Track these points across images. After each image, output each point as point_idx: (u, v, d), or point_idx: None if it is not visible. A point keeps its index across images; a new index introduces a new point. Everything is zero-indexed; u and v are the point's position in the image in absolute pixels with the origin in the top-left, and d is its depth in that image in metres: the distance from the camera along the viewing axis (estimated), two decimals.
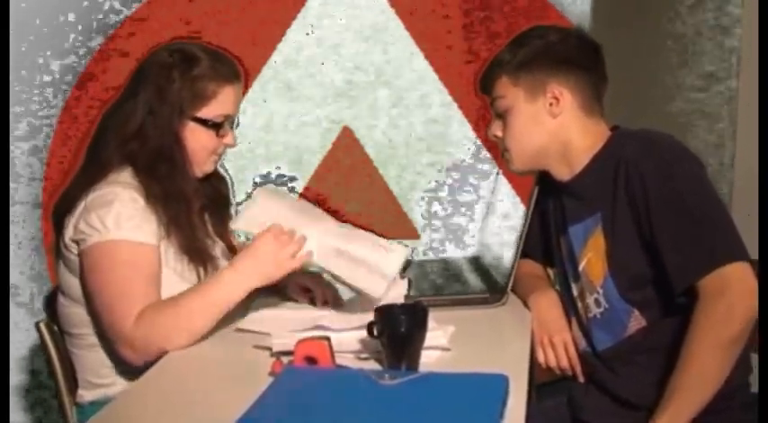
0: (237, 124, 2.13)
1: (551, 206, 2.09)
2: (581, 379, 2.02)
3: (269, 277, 1.89)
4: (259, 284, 1.90)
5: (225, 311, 1.88)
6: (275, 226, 1.91)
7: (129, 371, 1.86)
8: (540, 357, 2.02)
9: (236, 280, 1.89)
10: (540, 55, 1.95)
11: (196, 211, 2.08)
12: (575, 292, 2.01)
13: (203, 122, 2.01)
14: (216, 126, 2.03)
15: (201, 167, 2.06)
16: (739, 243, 1.77)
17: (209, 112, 2.01)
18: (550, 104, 1.94)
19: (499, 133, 2.02)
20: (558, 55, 1.95)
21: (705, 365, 1.73)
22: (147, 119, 1.98)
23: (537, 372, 2.00)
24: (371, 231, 2.08)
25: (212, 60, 2.01)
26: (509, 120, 1.98)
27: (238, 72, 2.06)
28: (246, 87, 2.97)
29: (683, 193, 1.80)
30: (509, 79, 1.97)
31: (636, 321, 1.89)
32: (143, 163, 1.98)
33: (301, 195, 2.84)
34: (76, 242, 1.93)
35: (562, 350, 2.01)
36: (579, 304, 2.00)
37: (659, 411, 1.76)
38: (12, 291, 2.99)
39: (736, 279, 1.73)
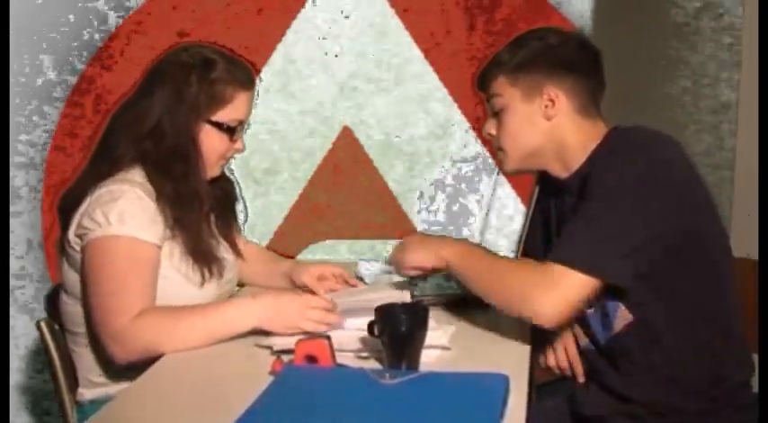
0: (246, 130, 2.13)
1: (551, 204, 2.08)
2: (580, 379, 2.02)
3: (272, 326, 1.87)
4: (260, 327, 1.88)
5: (223, 338, 1.87)
6: (314, 298, 1.96)
7: (130, 369, 1.85)
8: (540, 358, 2.03)
9: (248, 314, 1.88)
10: (539, 57, 1.95)
11: (204, 213, 2.08)
12: None
13: (218, 126, 2.02)
14: (230, 130, 2.04)
15: (210, 171, 2.06)
16: (604, 260, 1.77)
17: (225, 115, 2.02)
18: (546, 106, 1.95)
19: (493, 131, 2.02)
20: (557, 58, 1.95)
21: (502, 278, 1.82)
22: (163, 118, 1.98)
23: (537, 372, 2.00)
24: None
25: (230, 65, 2.02)
26: (504, 119, 1.99)
27: (253, 78, 2.08)
28: None
29: (605, 189, 1.81)
30: (507, 79, 1.97)
31: (622, 316, 1.89)
32: (157, 161, 1.99)
33: None
34: (80, 237, 1.94)
35: (562, 350, 2.01)
36: None
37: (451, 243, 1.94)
38: (12, 289, 3.00)
39: (567, 286, 1.75)
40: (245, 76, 2.04)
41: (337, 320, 1.89)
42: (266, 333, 1.86)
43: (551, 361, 2.02)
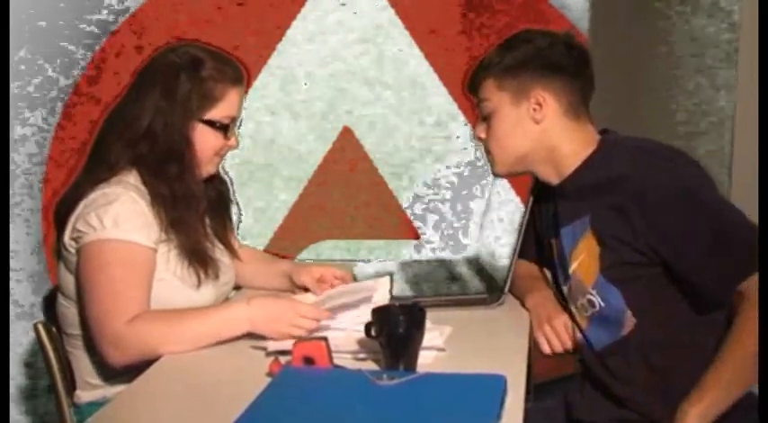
0: (239, 126, 2.13)
1: (546, 208, 2.08)
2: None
3: (264, 332, 1.87)
4: (253, 331, 1.88)
5: (217, 341, 1.87)
6: (304, 304, 1.93)
7: (127, 372, 1.86)
8: (545, 347, 1.98)
9: (242, 317, 1.88)
10: (526, 60, 1.95)
11: (200, 214, 2.08)
12: (566, 293, 2.02)
13: (211, 124, 2.02)
14: (223, 128, 2.04)
15: (206, 168, 2.07)
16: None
17: (217, 113, 2.02)
18: (533, 110, 1.94)
19: (483, 135, 2.01)
20: (544, 60, 1.94)
21: (745, 365, 1.72)
22: (155, 120, 1.98)
23: (535, 370, 2.00)
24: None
25: (218, 62, 2.03)
26: (493, 123, 1.98)
27: (242, 74, 2.08)
28: (247, 87, 2.98)
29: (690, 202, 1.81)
30: (494, 82, 1.97)
31: (629, 322, 1.89)
32: (152, 164, 1.99)
33: None
34: (75, 240, 1.94)
35: (563, 330, 1.98)
36: (571, 305, 2.00)
37: (692, 402, 1.73)
38: (11, 291, 3.00)
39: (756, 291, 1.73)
40: (234, 73, 2.04)
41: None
42: (262, 335, 1.87)
43: (556, 346, 1.97)
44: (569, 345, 1.98)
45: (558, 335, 1.98)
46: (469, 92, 2.04)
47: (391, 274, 2.16)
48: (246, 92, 2.92)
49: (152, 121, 1.98)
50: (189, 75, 1.99)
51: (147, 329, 1.84)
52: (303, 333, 1.84)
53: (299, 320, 1.87)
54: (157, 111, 1.98)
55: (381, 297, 2.02)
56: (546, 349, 1.99)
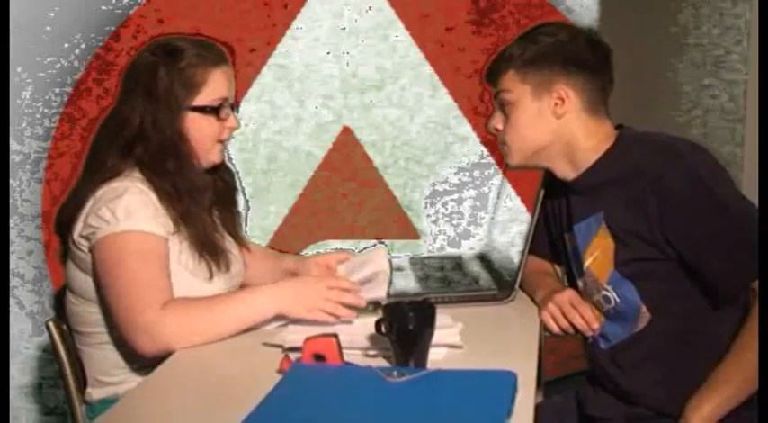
0: (237, 108, 2.11)
1: (558, 203, 2.09)
2: (595, 326, 1.97)
3: (292, 310, 1.90)
4: (281, 313, 1.90)
5: (249, 325, 1.89)
6: (334, 279, 1.96)
7: (139, 369, 1.86)
8: (552, 325, 1.99)
9: (271, 299, 1.90)
10: (550, 53, 1.95)
11: (206, 206, 2.08)
12: (581, 289, 2.02)
13: (201, 110, 2.01)
14: (214, 111, 2.03)
15: (207, 157, 2.06)
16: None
17: (204, 98, 2.01)
18: (555, 104, 1.94)
19: (500, 126, 2.01)
20: (567, 55, 1.95)
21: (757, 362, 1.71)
22: (144, 121, 1.98)
23: (546, 367, 2.00)
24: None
25: (196, 48, 2.02)
26: (512, 115, 1.98)
27: (224, 55, 2.06)
28: (247, 87, 2.99)
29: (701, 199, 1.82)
30: (517, 75, 1.96)
31: (643, 317, 1.90)
32: (150, 164, 1.98)
33: None
34: (87, 238, 1.93)
35: (568, 306, 1.98)
36: (587, 301, 2.01)
37: (702, 398, 1.76)
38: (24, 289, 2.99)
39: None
40: (213, 54, 2.04)
41: (356, 301, 1.91)
42: (276, 332, 1.87)
43: (563, 322, 1.98)
44: (578, 320, 1.97)
45: (564, 311, 1.98)
46: (488, 82, 2.03)
47: (384, 243, 2.19)
48: (246, 91, 2.99)
49: (141, 123, 1.98)
50: (167, 68, 1.99)
51: (179, 318, 1.84)
52: (332, 307, 1.87)
53: (327, 293, 1.89)
54: (144, 111, 1.98)
55: (382, 266, 2.06)
56: (554, 327, 1.99)
